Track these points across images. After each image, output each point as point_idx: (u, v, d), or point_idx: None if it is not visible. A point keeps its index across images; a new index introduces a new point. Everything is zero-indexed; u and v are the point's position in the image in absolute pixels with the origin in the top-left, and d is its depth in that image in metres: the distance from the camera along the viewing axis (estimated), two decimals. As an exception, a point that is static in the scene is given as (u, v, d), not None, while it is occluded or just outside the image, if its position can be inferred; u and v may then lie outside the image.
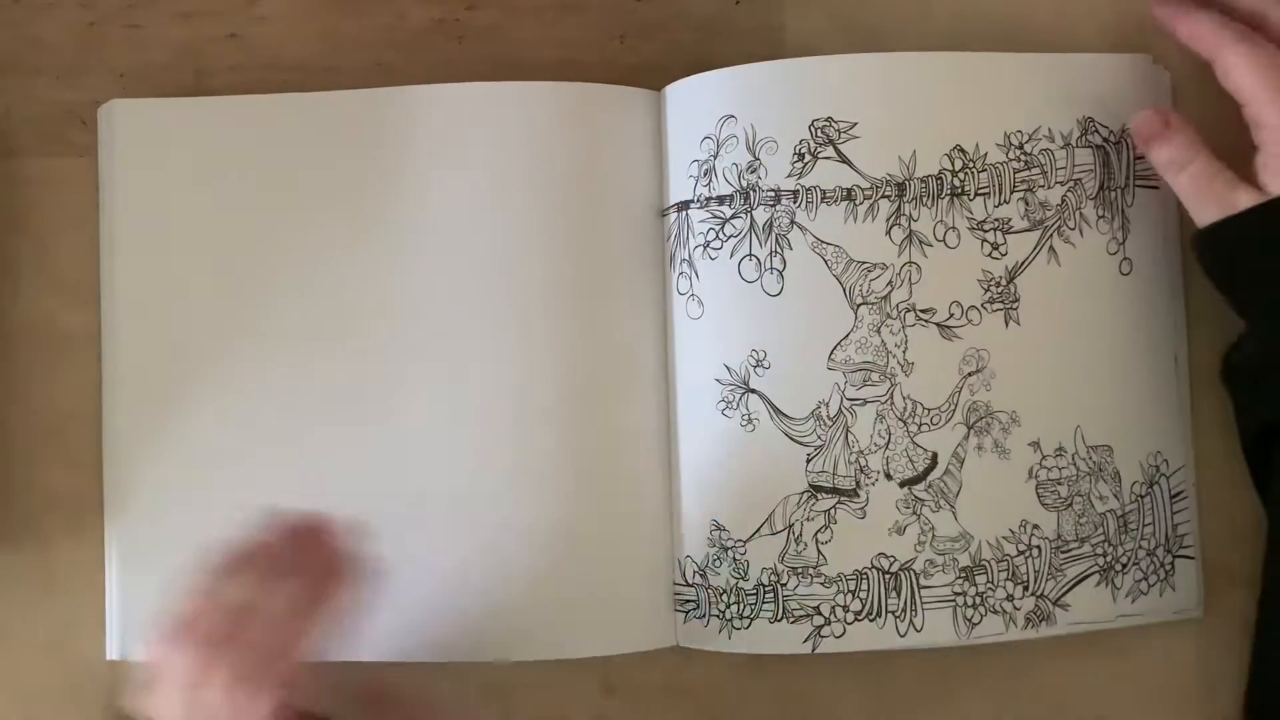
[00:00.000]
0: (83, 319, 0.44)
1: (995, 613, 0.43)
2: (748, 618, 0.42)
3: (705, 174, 0.42)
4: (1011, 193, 0.44)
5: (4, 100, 0.45)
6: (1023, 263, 0.44)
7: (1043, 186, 0.44)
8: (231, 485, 0.43)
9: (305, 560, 0.36)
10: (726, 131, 0.42)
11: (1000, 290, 0.44)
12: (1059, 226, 0.45)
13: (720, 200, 0.42)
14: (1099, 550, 0.44)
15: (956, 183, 0.43)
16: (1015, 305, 0.44)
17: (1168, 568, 0.45)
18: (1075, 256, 0.45)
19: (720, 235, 0.42)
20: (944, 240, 0.43)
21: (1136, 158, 0.45)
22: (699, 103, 0.43)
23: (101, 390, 0.44)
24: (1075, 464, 0.44)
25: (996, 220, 0.44)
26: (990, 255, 0.44)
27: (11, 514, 0.44)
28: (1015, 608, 0.43)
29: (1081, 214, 0.45)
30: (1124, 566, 0.45)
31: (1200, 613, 0.45)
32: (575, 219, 0.43)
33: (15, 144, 0.45)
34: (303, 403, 0.43)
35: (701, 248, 0.42)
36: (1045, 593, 0.44)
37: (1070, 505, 0.44)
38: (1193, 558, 0.45)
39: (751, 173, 0.42)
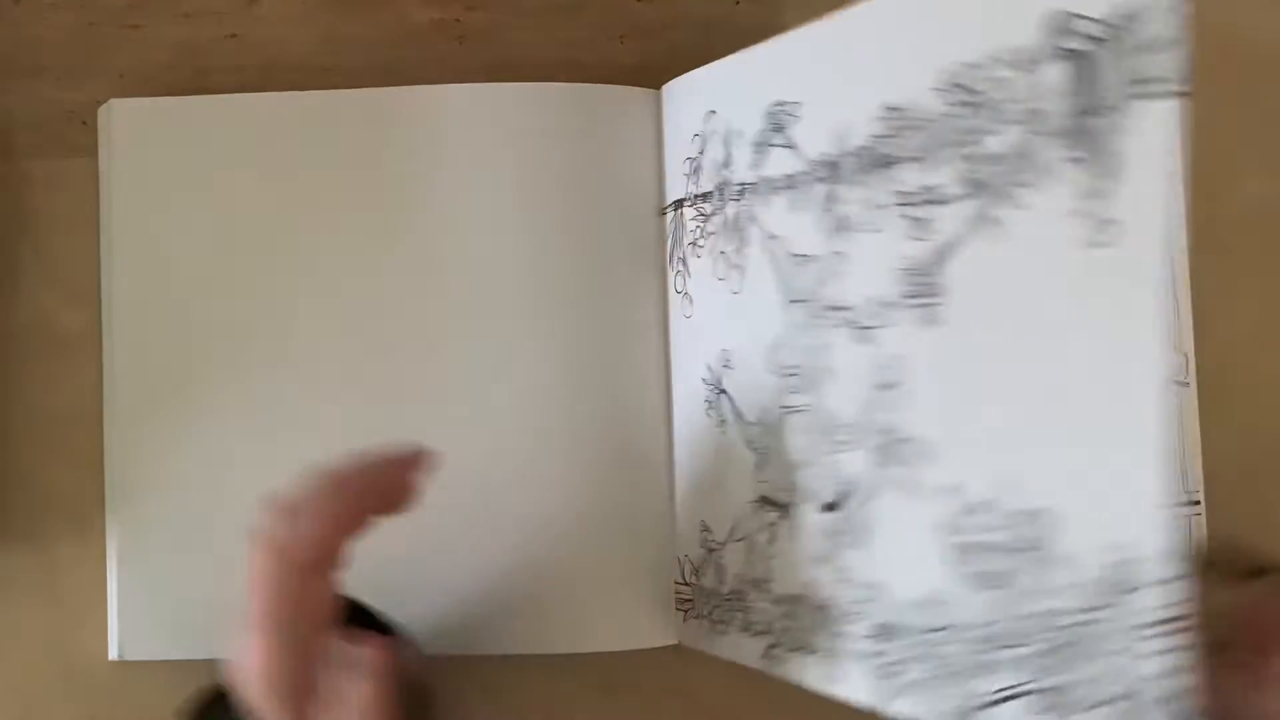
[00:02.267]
0: (83, 319, 0.44)
1: (914, 692, 0.34)
2: (724, 623, 0.41)
3: (695, 171, 0.42)
4: (951, 149, 0.33)
5: (4, 100, 0.45)
6: (954, 242, 0.33)
7: (991, 134, 0.32)
8: (233, 484, 0.43)
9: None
10: (710, 127, 0.41)
11: (923, 282, 0.34)
12: (1006, 186, 0.31)
13: (704, 197, 0.42)
14: (1039, 664, 0.30)
15: (885, 151, 0.35)
16: (938, 301, 0.33)
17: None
18: (1026, 224, 0.31)
19: (704, 233, 0.42)
20: (870, 223, 0.35)
21: (1137, 48, 0.28)
22: (690, 100, 0.42)
23: (101, 390, 0.44)
24: (1009, 526, 0.31)
25: (926, 189, 0.34)
26: (916, 237, 0.34)
27: (12, 514, 0.44)
28: (938, 699, 0.33)
29: (1039, 162, 0.31)
30: (1075, 705, 0.29)
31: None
32: (577, 219, 0.44)
33: (15, 144, 0.45)
34: (303, 401, 0.44)
35: (692, 246, 0.42)
36: (967, 694, 0.32)
37: (1000, 586, 0.31)
38: (1208, 730, 0.27)
39: (726, 168, 0.41)
